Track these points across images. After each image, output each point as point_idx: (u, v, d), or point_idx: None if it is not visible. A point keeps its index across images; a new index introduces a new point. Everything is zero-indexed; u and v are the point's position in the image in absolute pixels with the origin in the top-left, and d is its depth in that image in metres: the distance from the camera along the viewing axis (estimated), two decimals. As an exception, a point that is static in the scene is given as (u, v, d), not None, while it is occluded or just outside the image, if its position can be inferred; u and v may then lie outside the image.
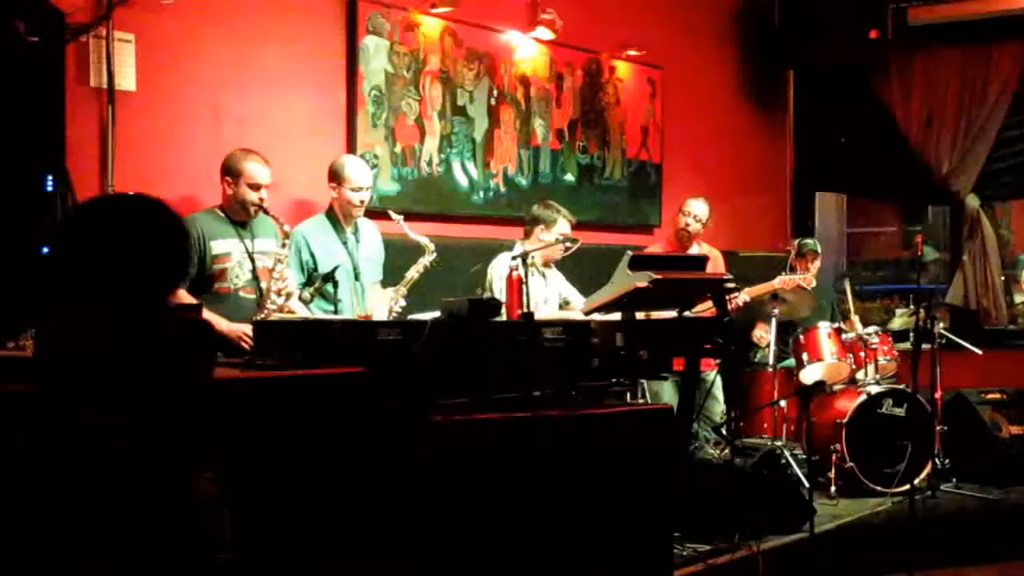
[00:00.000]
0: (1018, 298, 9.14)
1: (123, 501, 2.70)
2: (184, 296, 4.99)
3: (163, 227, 2.90)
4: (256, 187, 5.35)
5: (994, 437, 7.68)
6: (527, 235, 6.30)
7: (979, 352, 7.88)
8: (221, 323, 5.12)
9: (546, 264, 6.30)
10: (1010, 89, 9.03)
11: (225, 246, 5.33)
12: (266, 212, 5.32)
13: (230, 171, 5.35)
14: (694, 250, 7.17)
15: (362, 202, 5.73)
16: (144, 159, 5.43)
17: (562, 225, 6.21)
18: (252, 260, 5.39)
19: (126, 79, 5.39)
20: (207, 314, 5.05)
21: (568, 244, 6.12)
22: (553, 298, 6.33)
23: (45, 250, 4.59)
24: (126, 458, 2.71)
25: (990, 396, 7.94)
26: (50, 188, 4.81)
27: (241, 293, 5.36)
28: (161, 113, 5.57)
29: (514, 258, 5.61)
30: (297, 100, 6.18)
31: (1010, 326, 9.41)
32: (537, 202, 6.50)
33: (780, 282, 7.15)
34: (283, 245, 5.22)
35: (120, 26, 5.32)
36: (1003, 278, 9.36)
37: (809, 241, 8.17)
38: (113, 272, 2.78)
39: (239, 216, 5.41)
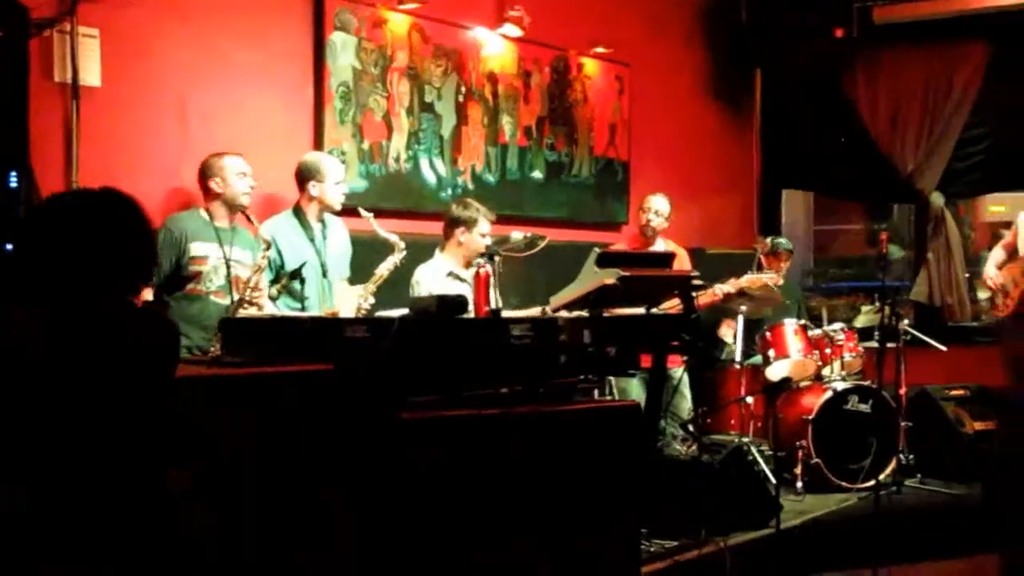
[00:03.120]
0: (982, 295, 9.19)
1: (89, 500, 2.68)
2: (148, 296, 4.99)
3: (127, 222, 2.89)
4: (243, 175, 5.43)
5: (958, 433, 7.75)
6: (447, 237, 6.20)
7: (943, 349, 7.94)
8: None
9: (468, 266, 6.14)
10: (974, 88, 9.08)
11: (204, 249, 5.34)
12: (247, 217, 5.34)
13: (213, 170, 5.38)
14: (660, 247, 7.20)
15: (344, 196, 5.77)
16: (109, 155, 5.39)
17: (483, 225, 6.12)
18: (228, 266, 5.39)
19: (91, 74, 5.35)
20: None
21: (535, 242, 6.08)
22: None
23: (8, 247, 4.55)
24: (86, 458, 2.69)
25: (954, 392, 8.01)
26: (13, 184, 4.77)
27: (212, 297, 5.35)
28: (126, 109, 5.53)
29: (480, 255, 5.61)
30: (264, 96, 6.16)
31: (974, 323, 9.47)
32: (455, 201, 6.41)
33: (747, 281, 7.16)
34: (264, 257, 5.20)
35: (85, 21, 5.28)
36: (967, 275, 9.42)
37: (782, 240, 8.20)
38: (74, 268, 2.76)
39: (224, 219, 5.43)
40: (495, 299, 5.28)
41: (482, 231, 6.11)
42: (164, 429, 2.84)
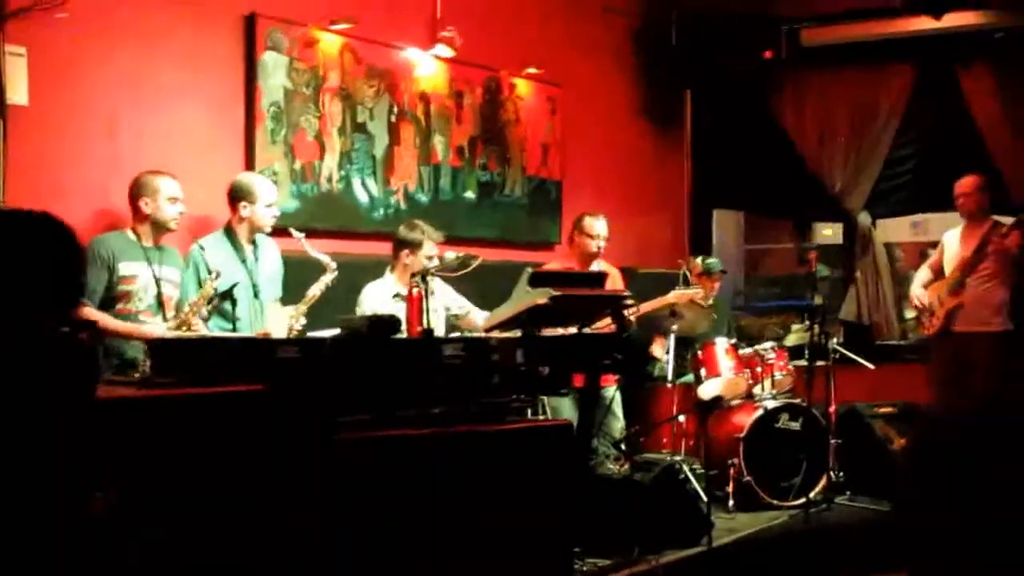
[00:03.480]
0: (909, 314, 9.33)
1: (7, 527, 2.64)
2: (92, 314, 4.97)
3: (53, 246, 2.85)
4: (175, 200, 5.42)
5: (886, 450, 7.82)
6: (395, 258, 6.18)
7: (871, 367, 8.04)
8: (119, 325, 5.20)
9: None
10: (900, 109, 9.23)
11: (133, 268, 5.31)
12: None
13: (145, 190, 5.34)
14: (594, 267, 7.21)
15: (275, 217, 5.75)
16: (37, 175, 5.33)
17: (428, 248, 6.09)
18: (158, 285, 5.36)
19: (18, 93, 5.29)
20: (108, 319, 5.07)
21: (468, 262, 6.04)
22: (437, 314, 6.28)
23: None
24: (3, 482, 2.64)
25: (882, 410, 8.09)
26: (-61, 205, 4.72)
27: (141, 316, 5.32)
28: (55, 128, 5.47)
29: (414, 275, 5.59)
30: (195, 116, 6.12)
31: (901, 341, 9.61)
32: (404, 223, 6.35)
33: (675, 296, 7.21)
34: (212, 285, 5.20)
35: (12, 39, 5.22)
36: (895, 294, 9.56)
37: (713, 261, 8.26)
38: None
39: (150, 239, 5.41)
40: (429, 318, 5.27)
41: (428, 253, 6.08)
42: (82, 455, 2.80)
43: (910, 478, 4.60)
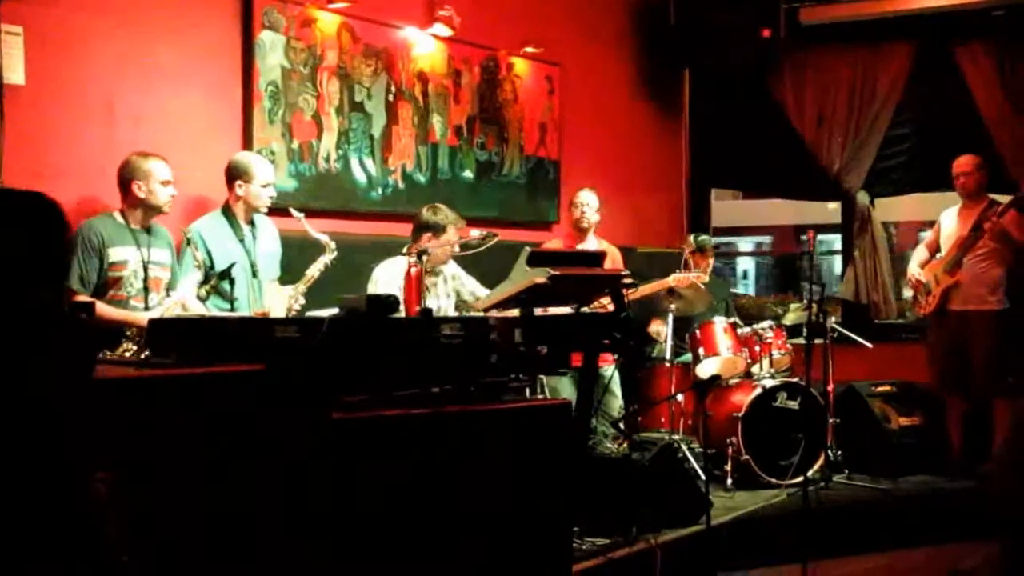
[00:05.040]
0: (906, 293, 9.33)
1: (5, 506, 2.64)
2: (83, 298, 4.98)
3: (48, 226, 2.85)
4: (167, 183, 5.39)
5: (884, 429, 7.84)
6: (414, 240, 6.15)
7: (869, 346, 8.04)
8: (113, 311, 5.17)
9: (431, 271, 6.07)
10: (899, 88, 9.21)
11: (123, 253, 5.30)
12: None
13: (137, 173, 5.31)
14: (592, 245, 7.23)
15: (271, 197, 5.74)
16: (34, 155, 5.32)
17: (451, 234, 6.10)
18: (146, 269, 5.35)
19: (15, 73, 5.27)
20: (103, 307, 5.06)
21: (488, 239, 5.92)
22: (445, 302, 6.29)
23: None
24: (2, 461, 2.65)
25: (880, 389, 8.10)
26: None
27: (132, 302, 5.30)
28: (51, 108, 5.46)
29: (410, 254, 5.57)
30: (192, 96, 6.10)
31: (899, 320, 9.61)
32: (426, 206, 6.31)
33: (675, 279, 7.24)
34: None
35: (8, 18, 5.20)
36: (893, 273, 9.57)
37: (705, 237, 8.27)
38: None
39: (139, 222, 5.38)
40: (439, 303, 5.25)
41: (450, 239, 6.08)
42: (81, 433, 2.80)
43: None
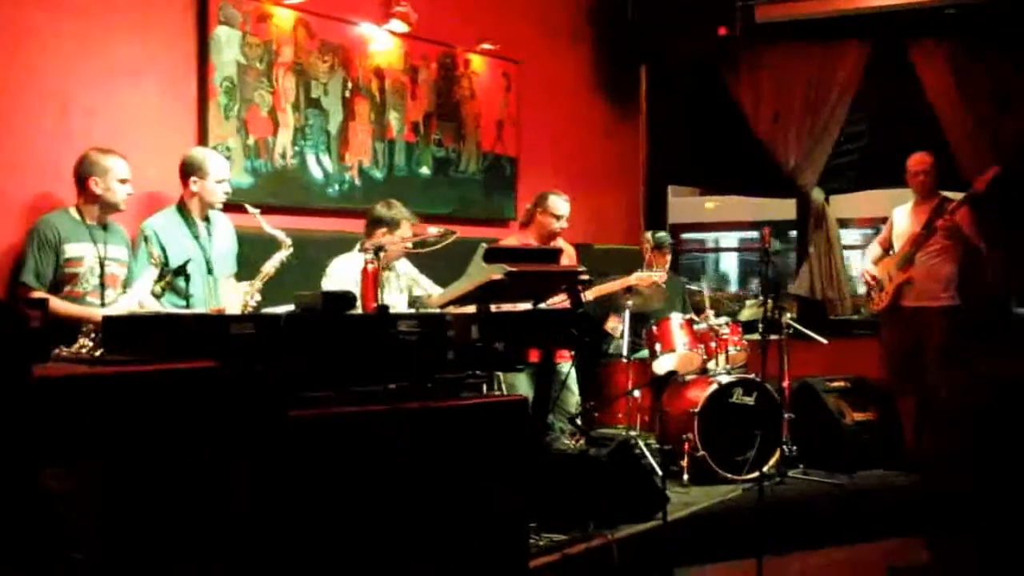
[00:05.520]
0: (861, 289, 9.40)
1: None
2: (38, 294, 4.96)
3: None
4: (124, 180, 5.37)
5: (839, 424, 7.89)
6: (368, 235, 6.12)
7: (824, 342, 8.09)
8: (69, 307, 5.14)
9: (386, 267, 6.04)
10: (853, 86, 9.27)
11: (79, 250, 5.26)
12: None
13: (95, 170, 5.28)
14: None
15: (226, 193, 5.71)
16: (-13, 150, 5.28)
17: (405, 229, 6.09)
18: (102, 266, 5.31)
19: (-34, 68, 5.24)
20: (58, 303, 5.03)
21: (447, 236, 5.90)
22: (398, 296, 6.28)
23: None
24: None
25: (835, 384, 8.15)
26: None
27: (88, 298, 5.27)
28: (4, 104, 5.41)
29: (365, 249, 5.56)
30: (147, 91, 6.06)
31: (853, 316, 9.69)
32: (380, 201, 6.31)
33: (636, 278, 7.27)
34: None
35: (-40, 13, 5.17)
36: (847, 270, 9.64)
37: (663, 235, 8.30)
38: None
39: (95, 218, 5.35)
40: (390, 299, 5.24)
41: (403, 235, 6.07)
42: (26, 428, 2.78)
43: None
